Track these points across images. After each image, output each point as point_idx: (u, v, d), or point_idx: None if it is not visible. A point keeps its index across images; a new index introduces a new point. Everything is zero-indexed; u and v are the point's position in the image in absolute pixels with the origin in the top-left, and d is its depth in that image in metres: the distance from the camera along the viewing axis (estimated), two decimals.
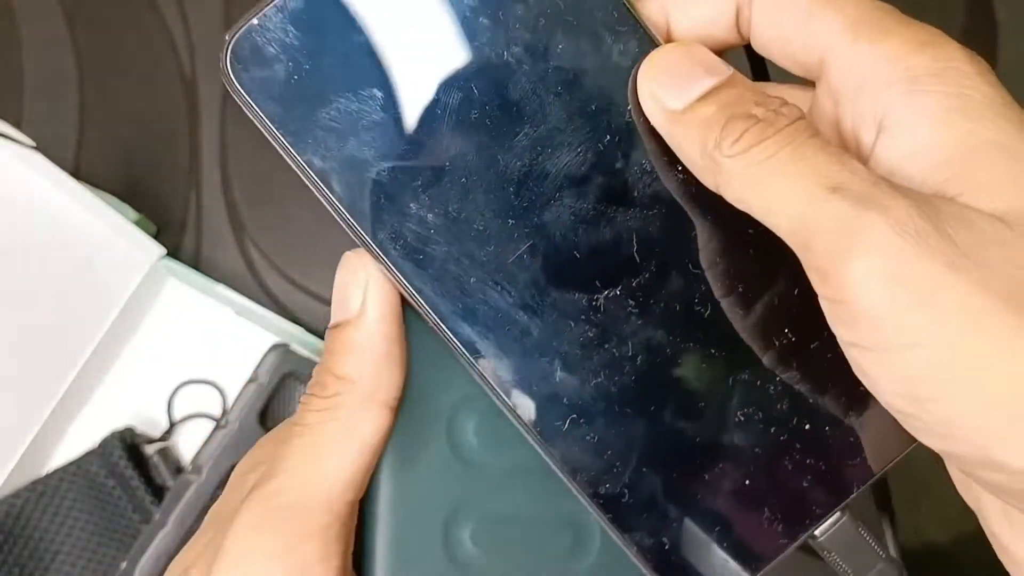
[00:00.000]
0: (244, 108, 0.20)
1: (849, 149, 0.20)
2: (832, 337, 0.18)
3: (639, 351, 0.21)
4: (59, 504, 0.44)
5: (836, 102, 0.21)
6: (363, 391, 0.20)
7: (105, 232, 0.47)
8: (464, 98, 0.20)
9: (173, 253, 0.51)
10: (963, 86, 0.19)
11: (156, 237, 0.49)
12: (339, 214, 0.20)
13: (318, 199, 0.20)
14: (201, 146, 0.53)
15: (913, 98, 0.19)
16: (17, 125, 0.50)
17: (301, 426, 0.20)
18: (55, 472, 0.44)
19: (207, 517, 0.23)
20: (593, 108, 0.20)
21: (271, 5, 0.20)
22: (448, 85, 0.20)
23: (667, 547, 0.21)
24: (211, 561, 0.20)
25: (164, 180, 0.53)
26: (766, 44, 0.21)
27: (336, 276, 0.21)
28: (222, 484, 0.42)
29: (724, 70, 0.20)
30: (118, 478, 0.44)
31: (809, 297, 0.18)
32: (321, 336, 0.49)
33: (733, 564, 0.21)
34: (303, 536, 0.19)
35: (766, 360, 0.21)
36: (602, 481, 0.21)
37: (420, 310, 0.20)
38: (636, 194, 0.20)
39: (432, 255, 0.20)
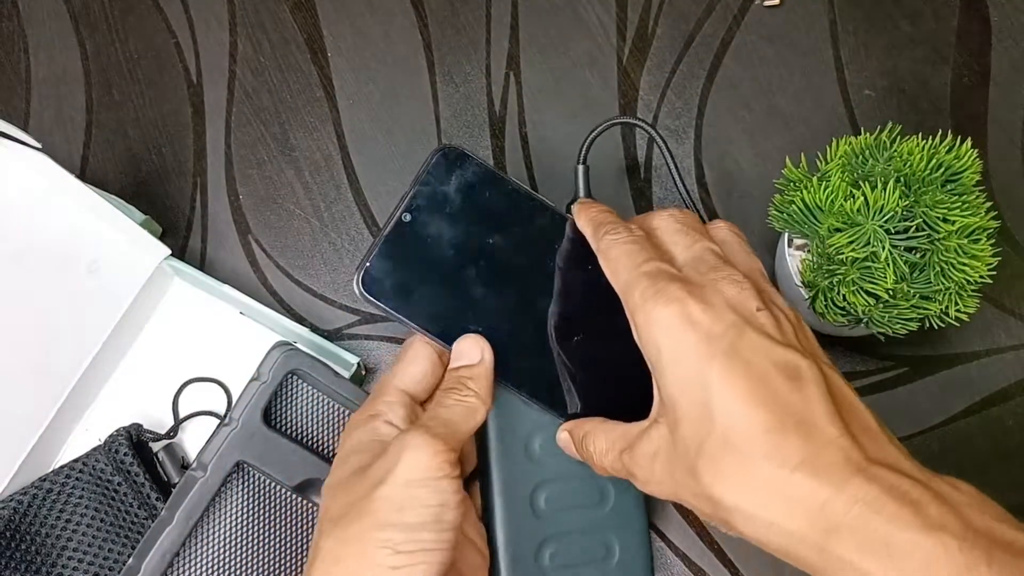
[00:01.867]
0: (373, 309, 0.40)
1: None
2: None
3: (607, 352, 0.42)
4: (66, 501, 0.44)
5: None
6: (480, 398, 0.39)
7: (111, 233, 0.47)
8: (484, 268, 0.41)
9: (178, 254, 0.51)
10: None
11: (161, 238, 0.50)
12: (438, 342, 0.40)
13: (427, 339, 0.41)
14: (206, 148, 0.54)
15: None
16: (24, 127, 0.50)
17: (444, 407, 0.39)
18: (62, 469, 0.45)
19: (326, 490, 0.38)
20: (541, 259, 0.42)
21: (372, 253, 0.40)
22: (476, 268, 0.41)
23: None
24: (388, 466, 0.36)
25: (169, 182, 0.54)
26: None
27: (457, 344, 0.40)
28: (227, 480, 0.43)
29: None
30: (124, 475, 0.45)
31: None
32: (323, 334, 0.50)
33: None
34: (454, 445, 0.37)
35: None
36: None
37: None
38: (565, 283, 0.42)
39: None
